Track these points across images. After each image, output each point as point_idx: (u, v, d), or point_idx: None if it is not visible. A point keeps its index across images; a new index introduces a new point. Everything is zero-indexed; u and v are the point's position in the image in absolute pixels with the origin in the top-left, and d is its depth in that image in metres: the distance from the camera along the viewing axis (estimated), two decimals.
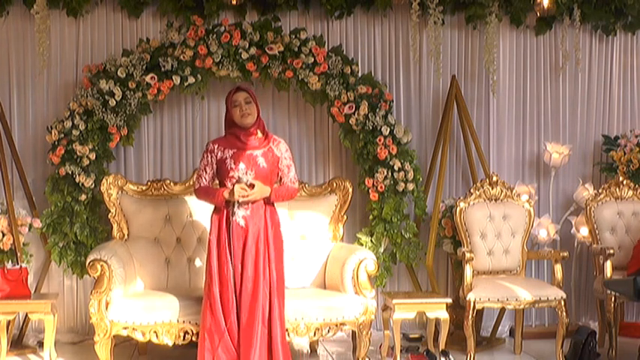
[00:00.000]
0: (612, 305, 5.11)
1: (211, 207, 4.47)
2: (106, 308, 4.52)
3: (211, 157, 4.42)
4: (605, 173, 6.02)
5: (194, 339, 4.50)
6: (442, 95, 5.94)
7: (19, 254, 5.11)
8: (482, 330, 5.71)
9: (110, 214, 5.14)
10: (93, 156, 5.34)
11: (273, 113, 5.86)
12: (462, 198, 5.43)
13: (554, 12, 5.77)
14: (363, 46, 5.95)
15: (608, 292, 5.09)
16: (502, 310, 5.59)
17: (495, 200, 5.43)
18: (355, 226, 5.75)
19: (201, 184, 4.45)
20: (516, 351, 5.37)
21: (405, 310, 4.88)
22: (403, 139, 5.57)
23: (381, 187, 5.48)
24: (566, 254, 5.22)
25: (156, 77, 5.41)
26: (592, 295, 5.85)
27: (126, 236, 5.14)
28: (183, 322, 4.55)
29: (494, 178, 5.46)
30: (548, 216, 5.89)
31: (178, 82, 5.44)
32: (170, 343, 4.58)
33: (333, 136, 5.89)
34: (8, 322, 4.90)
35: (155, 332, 4.56)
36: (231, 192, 4.28)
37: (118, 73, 5.38)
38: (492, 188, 5.43)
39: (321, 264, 5.12)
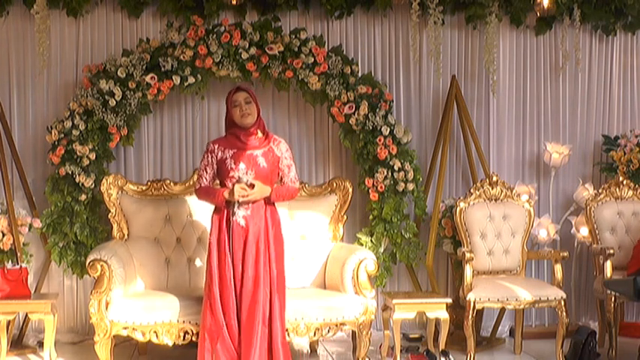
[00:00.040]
0: (612, 305, 5.10)
1: (211, 207, 4.47)
2: (106, 308, 4.52)
3: (211, 157, 4.42)
4: (605, 173, 6.02)
5: (194, 339, 4.50)
6: (442, 95, 5.94)
7: (19, 254, 5.11)
8: (482, 330, 5.71)
9: (110, 214, 5.14)
10: (93, 156, 5.34)
11: (273, 113, 5.85)
12: (462, 198, 5.42)
13: (554, 12, 5.77)
14: (363, 46, 5.94)
15: (608, 292, 5.08)
16: (502, 310, 5.59)
17: (495, 200, 5.43)
18: (355, 226, 5.75)
19: (202, 185, 4.45)
20: (516, 351, 5.37)
21: (405, 310, 4.88)
22: (403, 139, 5.57)
23: (381, 187, 5.48)
24: (566, 254, 5.22)
25: (156, 77, 5.41)
26: (592, 295, 5.85)
27: (126, 236, 5.13)
28: (184, 322, 4.54)
29: (494, 178, 5.45)
30: (548, 216, 5.89)
31: (178, 82, 5.44)
32: (170, 343, 4.58)
33: (333, 136, 5.89)
34: (8, 322, 4.89)
35: (155, 332, 4.55)
36: (231, 192, 4.28)
37: (118, 73, 5.38)
38: (492, 188, 5.43)
39: (321, 264, 5.12)
